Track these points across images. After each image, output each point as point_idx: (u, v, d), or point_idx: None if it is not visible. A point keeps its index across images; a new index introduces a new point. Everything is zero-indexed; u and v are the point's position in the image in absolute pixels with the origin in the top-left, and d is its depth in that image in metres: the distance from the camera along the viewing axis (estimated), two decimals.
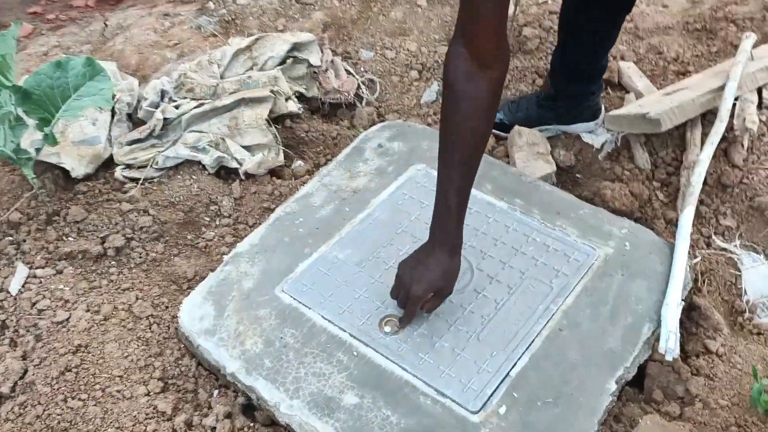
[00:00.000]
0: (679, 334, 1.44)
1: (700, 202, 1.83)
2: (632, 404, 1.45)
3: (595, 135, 2.05)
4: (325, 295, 1.56)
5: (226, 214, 1.91)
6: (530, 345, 1.44)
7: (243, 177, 1.98)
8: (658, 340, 1.48)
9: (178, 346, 1.57)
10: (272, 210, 1.91)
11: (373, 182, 1.80)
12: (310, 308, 1.54)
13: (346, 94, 2.20)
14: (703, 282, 1.67)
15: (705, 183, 1.85)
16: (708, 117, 1.94)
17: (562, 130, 2.08)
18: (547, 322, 1.48)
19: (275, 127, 2.05)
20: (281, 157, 2.02)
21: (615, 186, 1.85)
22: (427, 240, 1.41)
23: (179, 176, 1.97)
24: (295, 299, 1.55)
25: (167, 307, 1.66)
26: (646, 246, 1.63)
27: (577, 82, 1.95)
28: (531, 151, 1.98)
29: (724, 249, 1.74)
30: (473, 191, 1.39)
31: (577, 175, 2.01)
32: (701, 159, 1.77)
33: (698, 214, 1.80)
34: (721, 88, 1.88)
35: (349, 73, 2.28)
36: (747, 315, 1.62)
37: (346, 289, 1.57)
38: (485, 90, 1.28)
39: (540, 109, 2.05)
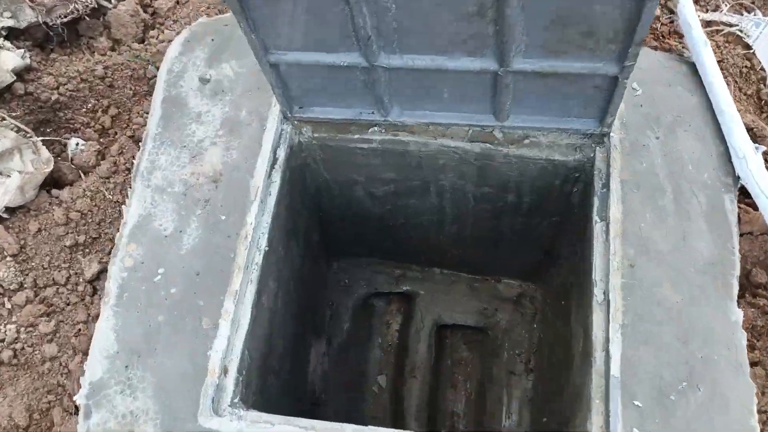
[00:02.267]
0: None
1: None
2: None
3: None
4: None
5: (14, 287, 1.15)
6: (608, 310, 0.95)
7: (5, 215, 1.18)
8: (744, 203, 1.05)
9: None
10: (81, 246, 1.18)
11: (233, 150, 1.08)
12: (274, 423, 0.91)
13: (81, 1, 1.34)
14: None
15: None
16: None
17: None
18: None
19: (5, 109, 1.21)
20: (45, 153, 1.21)
21: None
22: None
23: None
24: (241, 417, 0.92)
25: None
26: (659, 75, 1.11)
27: None
28: None
29: (711, 22, 1.27)
30: None
31: None
32: None
33: None
34: None
35: None
36: None
37: None
38: None
39: None
